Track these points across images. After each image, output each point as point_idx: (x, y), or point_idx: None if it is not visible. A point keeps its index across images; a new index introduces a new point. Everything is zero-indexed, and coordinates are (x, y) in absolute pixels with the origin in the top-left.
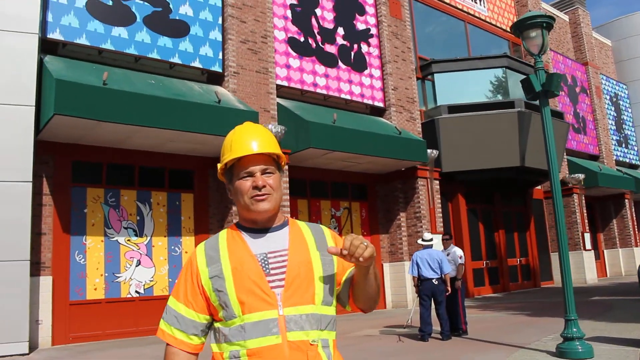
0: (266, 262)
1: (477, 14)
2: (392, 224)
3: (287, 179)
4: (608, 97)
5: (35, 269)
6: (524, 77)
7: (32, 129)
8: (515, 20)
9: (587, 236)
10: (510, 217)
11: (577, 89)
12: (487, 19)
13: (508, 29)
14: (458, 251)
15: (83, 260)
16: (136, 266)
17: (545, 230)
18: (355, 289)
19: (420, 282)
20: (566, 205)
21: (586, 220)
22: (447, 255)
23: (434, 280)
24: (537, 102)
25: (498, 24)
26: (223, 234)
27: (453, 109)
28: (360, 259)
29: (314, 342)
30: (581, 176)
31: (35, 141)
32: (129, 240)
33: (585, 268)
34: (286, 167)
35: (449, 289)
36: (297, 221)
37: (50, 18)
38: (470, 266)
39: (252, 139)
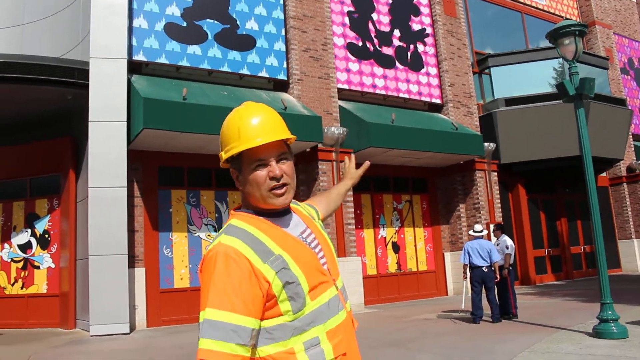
0: (307, 243)
1: (534, 4)
2: (452, 215)
3: None
4: None
5: (131, 261)
6: (583, 66)
7: (125, 141)
8: (576, 6)
9: None
10: (572, 206)
11: None
12: (546, 8)
13: (568, 17)
14: (507, 241)
15: (170, 253)
16: None
17: (611, 218)
18: (331, 207)
19: (472, 270)
20: (633, 192)
21: None
22: (497, 245)
23: (483, 268)
24: (597, 92)
25: (557, 12)
26: (246, 225)
27: (510, 101)
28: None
29: (350, 308)
30: None
31: (127, 151)
32: (209, 235)
33: None
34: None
35: (498, 276)
36: None
37: (134, 42)
38: (531, 254)
39: (262, 123)
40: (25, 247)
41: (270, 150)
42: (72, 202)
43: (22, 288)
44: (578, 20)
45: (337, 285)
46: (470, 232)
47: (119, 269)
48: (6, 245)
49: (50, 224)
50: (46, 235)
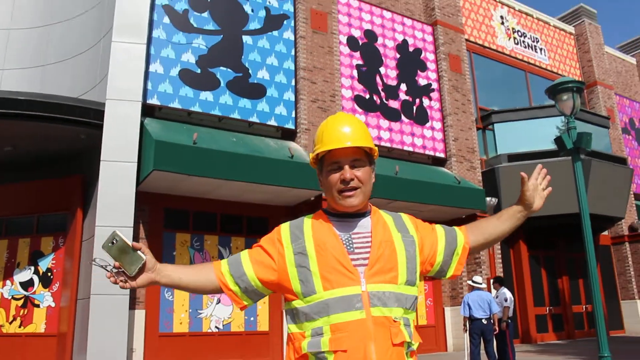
0: (350, 242)
1: (537, 64)
2: None
3: None
4: None
5: (132, 303)
6: (585, 124)
7: (134, 182)
8: (578, 67)
9: None
10: (574, 264)
11: None
12: (549, 67)
13: (570, 77)
14: (506, 294)
15: (171, 297)
16: (216, 304)
17: (613, 277)
18: (492, 236)
19: (471, 322)
20: (635, 251)
21: None
22: (496, 297)
23: (483, 320)
24: (598, 150)
25: (559, 72)
26: (309, 217)
27: (513, 157)
28: (537, 199)
29: (396, 320)
30: None
31: (135, 192)
32: None
33: None
34: None
35: (497, 328)
36: (379, 209)
37: (149, 86)
38: (532, 312)
39: (343, 131)
40: (26, 284)
41: (345, 156)
42: (77, 241)
43: (20, 327)
44: (580, 79)
45: (365, 287)
46: (470, 282)
47: (120, 310)
48: (8, 282)
49: (54, 262)
50: (49, 274)
